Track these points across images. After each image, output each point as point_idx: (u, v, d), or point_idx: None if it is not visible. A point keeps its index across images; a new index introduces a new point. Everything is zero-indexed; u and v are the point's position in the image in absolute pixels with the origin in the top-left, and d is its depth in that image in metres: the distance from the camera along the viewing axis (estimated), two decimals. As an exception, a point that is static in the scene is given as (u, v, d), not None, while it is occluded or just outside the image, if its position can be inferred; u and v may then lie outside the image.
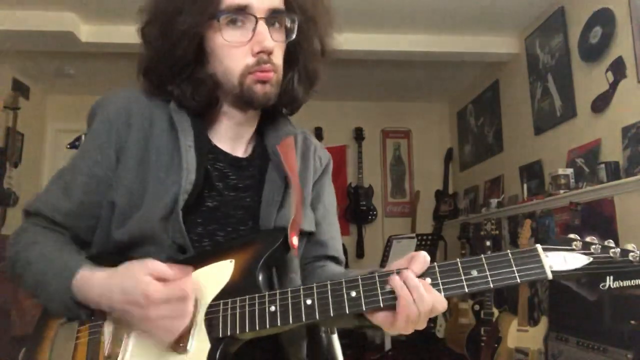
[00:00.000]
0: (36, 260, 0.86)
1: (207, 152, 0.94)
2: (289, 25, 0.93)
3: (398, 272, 0.75)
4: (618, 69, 2.94)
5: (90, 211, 0.92)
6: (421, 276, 0.75)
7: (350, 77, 4.73)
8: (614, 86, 2.98)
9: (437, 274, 0.75)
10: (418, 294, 0.72)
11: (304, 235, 0.99)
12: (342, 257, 1.07)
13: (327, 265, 1.04)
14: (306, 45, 0.96)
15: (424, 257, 0.75)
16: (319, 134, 5.31)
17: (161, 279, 0.75)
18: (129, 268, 0.77)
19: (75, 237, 0.93)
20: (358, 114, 5.42)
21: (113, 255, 0.91)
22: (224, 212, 0.92)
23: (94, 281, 0.80)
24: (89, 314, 0.83)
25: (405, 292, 0.72)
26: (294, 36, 0.93)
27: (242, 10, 0.87)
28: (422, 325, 0.74)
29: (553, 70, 3.62)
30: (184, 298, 0.74)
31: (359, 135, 5.53)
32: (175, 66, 0.90)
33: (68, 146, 2.36)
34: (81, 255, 0.89)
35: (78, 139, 2.18)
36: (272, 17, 0.90)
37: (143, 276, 0.74)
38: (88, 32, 3.91)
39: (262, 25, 0.88)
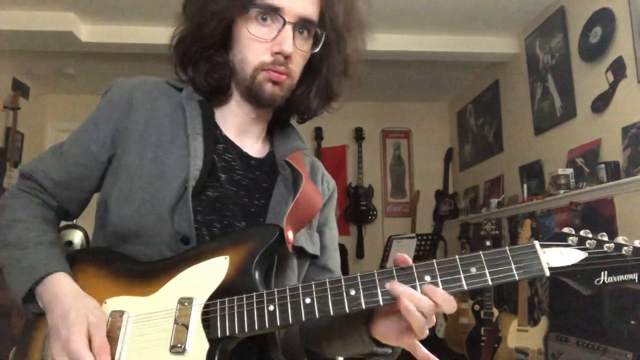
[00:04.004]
0: (12, 244, 0.87)
1: (216, 141, 0.95)
2: (317, 37, 0.94)
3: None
4: (618, 69, 2.94)
5: (78, 184, 0.95)
6: (420, 274, 0.74)
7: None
8: (614, 86, 2.98)
9: (436, 270, 0.74)
10: (419, 304, 0.72)
11: (306, 257, 0.99)
12: None
13: None
14: (331, 61, 0.97)
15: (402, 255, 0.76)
16: (319, 134, 5.30)
17: (90, 339, 0.77)
18: (88, 304, 0.80)
19: (60, 207, 0.97)
20: (358, 114, 5.42)
21: (103, 249, 0.91)
22: (223, 205, 0.92)
23: (58, 288, 0.82)
24: (36, 313, 0.85)
25: (411, 306, 0.72)
26: (317, 49, 0.94)
27: (274, 10, 0.89)
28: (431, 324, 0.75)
29: (553, 70, 3.62)
30: None
31: (359, 135, 5.52)
32: (200, 44, 0.93)
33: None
34: (57, 253, 0.89)
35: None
36: (302, 25, 0.91)
37: (84, 321, 0.77)
38: (88, 32, 3.91)
39: (287, 30, 0.89)
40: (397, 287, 0.73)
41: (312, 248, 0.99)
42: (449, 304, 0.73)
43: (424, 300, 0.72)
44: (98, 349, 0.76)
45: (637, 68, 2.78)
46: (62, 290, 0.82)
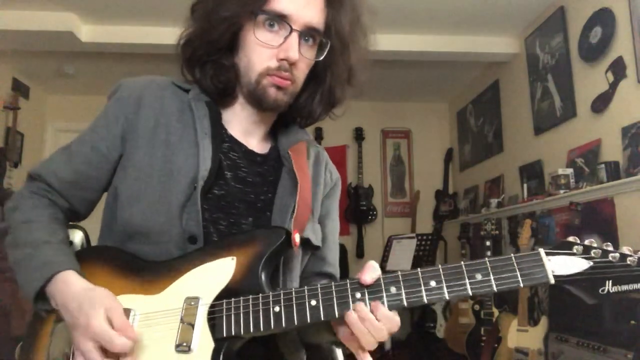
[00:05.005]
0: (24, 243, 0.88)
1: (222, 140, 0.96)
2: (322, 45, 0.96)
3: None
4: (618, 69, 2.94)
5: (87, 183, 0.95)
6: (426, 279, 0.75)
7: (350, 77, 4.72)
8: (614, 86, 2.98)
9: (442, 276, 0.75)
10: (372, 327, 0.75)
11: (309, 248, 1.00)
12: (338, 277, 1.10)
13: (326, 281, 1.05)
14: (335, 69, 0.99)
15: (374, 265, 0.78)
16: (319, 134, 5.31)
17: (110, 323, 0.77)
18: (101, 293, 0.81)
19: (69, 209, 0.97)
20: (358, 114, 5.42)
21: (111, 248, 0.92)
22: (228, 202, 0.93)
23: (69, 286, 0.83)
24: (47, 311, 0.86)
25: (361, 328, 0.75)
26: (322, 57, 0.96)
27: (281, 17, 0.90)
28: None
29: (553, 70, 3.62)
30: (109, 344, 0.76)
31: (359, 135, 5.53)
32: (208, 46, 0.94)
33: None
34: (67, 251, 0.90)
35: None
36: (308, 33, 0.93)
37: (101, 306, 0.78)
38: (88, 32, 3.91)
39: (293, 37, 0.91)
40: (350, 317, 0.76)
41: (315, 239, 1.01)
42: (390, 322, 0.75)
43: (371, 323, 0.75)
44: (120, 326, 0.77)
45: (637, 68, 2.78)
46: (74, 287, 0.82)
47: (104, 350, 0.76)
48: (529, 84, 3.95)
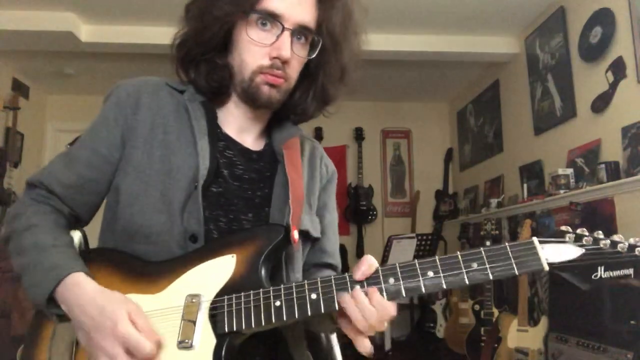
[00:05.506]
0: (29, 248, 0.88)
1: (218, 139, 0.97)
2: (314, 43, 0.97)
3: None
4: (618, 69, 2.94)
5: (89, 186, 0.95)
6: (423, 269, 0.77)
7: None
8: (614, 86, 2.98)
9: (439, 266, 0.77)
10: (368, 311, 0.76)
11: (309, 240, 1.02)
12: (339, 266, 1.11)
13: (327, 272, 1.07)
14: (327, 67, 1.01)
15: (368, 259, 0.80)
16: (319, 134, 5.31)
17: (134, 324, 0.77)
18: (119, 297, 0.81)
19: (71, 214, 0.96)
20: (358, 114, 5.43)
21: (111, 250, 0.92)
22: (227, 199, 0.94)
23: (82, 289, 0.82)
24: (58, 316, 0.85)
25: (354, 310, 0.77)
26: (314, 55, 0.97)
27: (273, 16, 0.92)
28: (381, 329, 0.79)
29: (553, 70, 3.62)
30: (138, 349, 0.75)
31: (359, 135, 5.53)
32: (202, 46, 0.95)
33: (68, 146, 2.39)
34: (74, 253, 0.89)
35: (78, 139, 2.21)
36: (300, 32, 0.94)
37: (123, 310, 0.78)
38: (88, 32, 3.91)
39: (286, 36, 0.92)
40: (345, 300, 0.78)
41: (314, 231, 1.02)
42: (384, 310, 0.76)
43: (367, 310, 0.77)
44: (145, 329, 0.77)
45: (637, 68, 2.79)
46: (89, 289, 0.82)
47: (128, 353, 0.76)
48: (529, 84, 3.96)
